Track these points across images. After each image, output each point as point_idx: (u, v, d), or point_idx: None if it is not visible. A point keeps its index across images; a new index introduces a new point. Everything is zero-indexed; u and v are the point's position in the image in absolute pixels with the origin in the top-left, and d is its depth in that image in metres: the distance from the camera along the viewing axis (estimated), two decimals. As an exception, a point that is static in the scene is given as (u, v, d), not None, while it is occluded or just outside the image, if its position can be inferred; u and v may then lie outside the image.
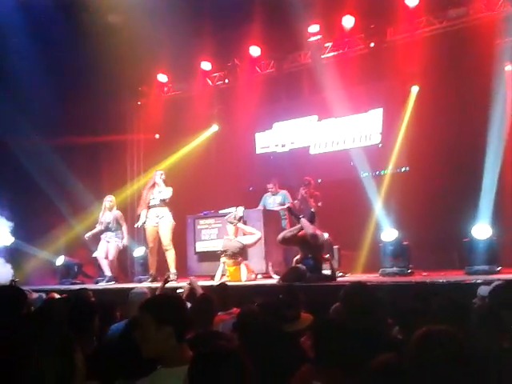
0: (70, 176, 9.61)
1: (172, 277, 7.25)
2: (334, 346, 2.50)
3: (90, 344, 2.99)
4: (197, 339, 3.55)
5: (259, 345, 2.84)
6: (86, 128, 10.12)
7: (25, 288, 5.32)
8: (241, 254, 7.26)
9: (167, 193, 7.88)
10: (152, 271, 8.03)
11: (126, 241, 8.57)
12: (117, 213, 8.61)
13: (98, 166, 10.85)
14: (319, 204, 8.55)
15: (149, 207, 7.96)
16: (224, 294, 4.66)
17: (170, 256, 7.85)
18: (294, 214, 7.22)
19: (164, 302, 2.23)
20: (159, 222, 7.90)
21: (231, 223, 7.57)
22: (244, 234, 7.56)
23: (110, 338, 3.35)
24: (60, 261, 9.12)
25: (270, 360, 2.74)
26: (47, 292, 5.95)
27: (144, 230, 8.27)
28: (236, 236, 7.52)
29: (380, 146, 9.56)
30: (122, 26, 9.28)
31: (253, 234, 7.46)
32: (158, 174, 8.04)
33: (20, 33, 8.90)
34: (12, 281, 6.40)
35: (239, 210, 7.65)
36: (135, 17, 8.89)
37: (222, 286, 5.03)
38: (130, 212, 10.89)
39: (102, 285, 8.00)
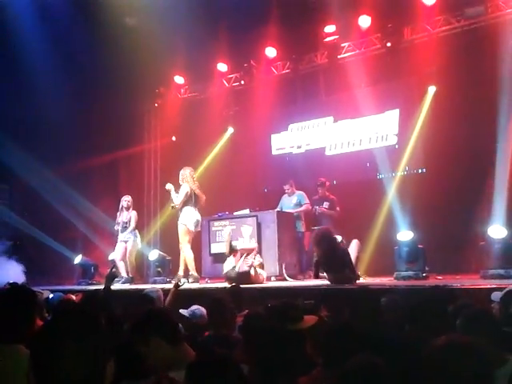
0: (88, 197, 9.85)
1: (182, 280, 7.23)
2: (343, 350, 2.47)
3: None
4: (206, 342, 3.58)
5: (264, 347, 2.83)
6: (103, 134, 10.24)
7: (38, 288, 5.46)
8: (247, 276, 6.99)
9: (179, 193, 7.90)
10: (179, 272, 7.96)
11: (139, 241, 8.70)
12: (134, 213, 8.69)
13: (116, 172, 10.96)
14: (337, 209, 8.49)
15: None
16: (237, 297, 4.66)
17: (182, 258, 7.88)
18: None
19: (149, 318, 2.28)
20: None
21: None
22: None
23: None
24: (78, 259, 9.27)
25: (274, 362, 2.74)
26: (65, 292, 6.05)
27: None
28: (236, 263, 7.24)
29: (396, 146, 9.45)
30: (139, 27, 9.38)
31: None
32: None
33: (37, 36, 9.06)
34: (12, 283, 6.45)
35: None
36: (152, 19, 8.99)
37: (235, 289, 5.03)
38: (146, 217, 11.03)
39: (118, 286, 8.08)
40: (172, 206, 7.94)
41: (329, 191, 8.75)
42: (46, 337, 1.39)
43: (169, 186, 7.91)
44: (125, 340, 2.50)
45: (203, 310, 4.06)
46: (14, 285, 6.24)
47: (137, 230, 8.71)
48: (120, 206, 8.70)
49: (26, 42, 9.10)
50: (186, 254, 7.82)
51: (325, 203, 8.57)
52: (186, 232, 7.82)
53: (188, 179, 7.86)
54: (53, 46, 9.19)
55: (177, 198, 7.82)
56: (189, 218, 7.80)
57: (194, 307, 4.15)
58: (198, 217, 7.90)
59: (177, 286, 5.00)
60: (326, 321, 3.49)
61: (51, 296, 5.43)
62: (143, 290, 5.22)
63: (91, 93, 9.85)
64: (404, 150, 9.19)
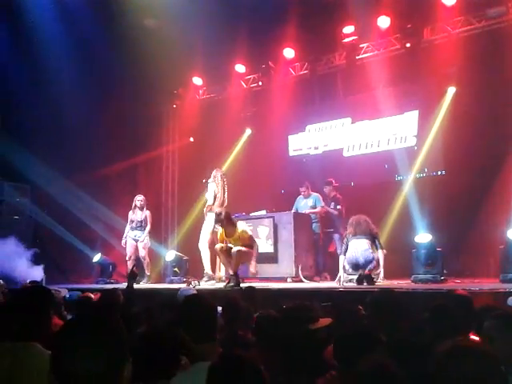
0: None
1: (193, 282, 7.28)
2: (356, 353, 2.46)
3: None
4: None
5: (276, 349, 2.83)
6: (122, 135, 10.36)
7: (56, 287, 5.54)
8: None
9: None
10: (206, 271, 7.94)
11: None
12: (148, 212, 8.76)
13: (134, 174, 11.05)
14: (338, 207, 8.49)
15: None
16: (251, 298, 4.67)
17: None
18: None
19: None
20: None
21: None
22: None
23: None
24: (96, 258, 9.39)
25: (289, 364, 2.73)
26: (83, 291, 6.13)
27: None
28: None
29: (415, 148, 9.35)
30: (158, 29, 9.46)
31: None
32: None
33: (57, 37, 9.20)
34: (33, 281, 6.57)
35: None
36: (171, 20, 9.05)
37: (250, 289, 5.04)
38: (163, 217, 11.11)
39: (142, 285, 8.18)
40: (206, 207, 7.97)
41: (336, 191, 8.73)
42: (66, 336, 1.40)
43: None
44: (138, 341, 2.52)
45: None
46: (33, 283, 6.38)
47: (147, 231, 8.79)
48: (133, 205, 8.77)
49: (45, 43, 9.25)
50: (204, 253, 7.85)
51: (332, 203, 8.58)
52: (210, 232, 7.83)
53: (218, 181, 7.90)
54: (72, 48, 9.33)
55: (209, 198, 7.89)
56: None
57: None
58: None
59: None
60: (342, 323, 3.47)
61: (68, 295, 5.51)
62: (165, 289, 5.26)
63: (110, 94, 9.97)
64: (423, 151, 9.09)
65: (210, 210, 7.78)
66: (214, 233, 7.77)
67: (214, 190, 7.81)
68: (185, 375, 2.24)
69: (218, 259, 7.72)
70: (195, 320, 2.62)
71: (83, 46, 9.33)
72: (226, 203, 7.91)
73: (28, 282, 6.83)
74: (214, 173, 8.00)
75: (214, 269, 7.84)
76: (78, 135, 9.58)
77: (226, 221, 6.85)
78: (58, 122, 9.52)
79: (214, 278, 7.67)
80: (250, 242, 6.85)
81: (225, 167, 10.83)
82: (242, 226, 6.90)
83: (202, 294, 2.87)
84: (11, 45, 9.37)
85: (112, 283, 8.66)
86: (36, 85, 9.24)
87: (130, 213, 8.78)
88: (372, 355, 1.95)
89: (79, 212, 9.76)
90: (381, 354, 2.41)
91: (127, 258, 8.61)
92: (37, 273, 8.22)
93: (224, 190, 7.90)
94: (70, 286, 7.09)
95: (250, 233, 6.97)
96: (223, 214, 6.90)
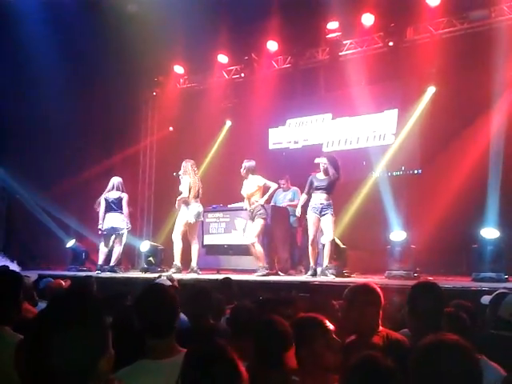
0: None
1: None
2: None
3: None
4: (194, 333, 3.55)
5: (250, 339, 2.81)
6: (101, 121, 10.19)
7: (25, 272, 5.42)
8: None
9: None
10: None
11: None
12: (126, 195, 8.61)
13: (112, 160, 10.85)
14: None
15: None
16: (228, 289, 4.64)
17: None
18: None
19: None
20: None
21: None
22: None
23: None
24: (70, 243, 9.23)
25: (263, 355, 2.72)
26: (54, 278, 6.01)
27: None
28: None
29: (394, 146, 9.44)
30: (141, 15, 9.31)
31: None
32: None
33: (38, 20, 8.97)
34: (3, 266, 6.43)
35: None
36: (154, 7, 8.91)
37: (227, 281, 5.02)
38: (139, 206, 10.97)
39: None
40: (180, 199, 7.87)
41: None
42: (42, 325, 1.35)
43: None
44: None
45: None
46: (2, 267, 6.22)
47: None
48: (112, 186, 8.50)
49: (22, 26, 8.99)
50: (176, 244, 7.80)
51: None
52: (183, 224, 7.78)
53: (189, 172, 7.82)
54: (52, 31, 9.09)
55: (184, 190, 7.79)
56: (190, 211, 7.76)
57: None
58: (199, 208, 7.87)
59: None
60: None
61: (39, 280, 5.39)
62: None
63: (89, 80, 9.77)
64: (401, 149, 9.19)
65: (186, 202, 7.72)
66: (187, 224, 7.74)
67: (189, 182, 7.74)
68: (128, 372, 2.08)
69: (192, 250, 7.73)
70: (151, 313, 2.33)
71: (62, 29, 9.10)
72: (200, 194, 7.87)
73: (-2, 266, 6.67)
74: (184, 164, 7.92)
75: (185, 259, 7.80)
76: (55, 122, 9.38)
77: None
78: (34, 108, 9.30)
79: (181, 271, 7.63)
80: None
81: (205, 158, 10.81)
82: None
83: (163, 285, 2.61)
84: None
85: (84, 271, 8.53)
86: (14, 74, 9.02)
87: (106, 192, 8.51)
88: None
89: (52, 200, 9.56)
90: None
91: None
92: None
93: (196, 179, 7.84)
94: (42, 272, 6.95)
95: None
96: None
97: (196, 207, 7.79)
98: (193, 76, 11.41)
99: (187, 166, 7.87)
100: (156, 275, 6.93)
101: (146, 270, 8.46)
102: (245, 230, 7.88)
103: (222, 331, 3.35)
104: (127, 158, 11.21)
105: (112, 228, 8.30)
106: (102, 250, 8.38)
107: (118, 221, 8.30)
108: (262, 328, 2.39)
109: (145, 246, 9.04)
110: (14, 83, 9.21)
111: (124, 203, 8.36)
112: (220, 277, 6.03)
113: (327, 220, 6.82)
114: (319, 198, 6.88)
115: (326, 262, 6.81)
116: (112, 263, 8.29)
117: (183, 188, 7.78)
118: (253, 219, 7.41)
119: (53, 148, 9.76)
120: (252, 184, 7.49)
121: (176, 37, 9.20)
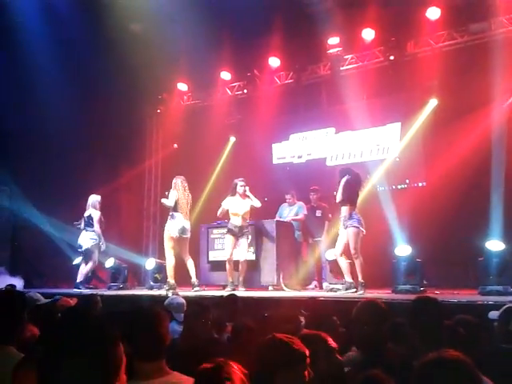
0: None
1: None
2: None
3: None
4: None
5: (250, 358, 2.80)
6: (105, 138, 10.27)
7: (31, 291, 5.43)
8: None
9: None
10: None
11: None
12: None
13: (117, 177, 10.90)
14: (330, 216, 8.51)
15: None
16: (233, 306, 4.59)
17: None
18: None
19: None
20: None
21: None
22: None
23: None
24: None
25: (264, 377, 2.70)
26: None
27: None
28: None
29: (397, 159, 9.45)
30: (144, 33, 9.43)
31: None
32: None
33: (42, 39, 9.10)
34: (9, 285, 6.45)
35: None
36: (157, 25, 9.03)
37: (232, 298, 4.95)
38: (145, 222, 10.96)
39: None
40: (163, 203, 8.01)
41: (321, 200, 8.76)
42: (52, 348, 1.32)
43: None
44: None
45: None
46: (8, 287, 6.25)
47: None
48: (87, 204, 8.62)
49: (30, 45, 9.13)
50: (168, 261, 7.85)
51: (317, 211, 8.61)
52: (168, 238, 7.84)
53: (178, 187, 7.88)
54: (56, 49, 9.22)
55: (168, 202, 7.87)
56: (173, 225, 7.78)
57: None
58: (185, 224, 7.83)
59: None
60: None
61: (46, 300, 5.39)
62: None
63: (94, 96, 9.89)
64: (405, 163, 9.19)
65: (171, 216, 7.78)
66: (172, 239, 7.77)
67: (175, 195, 7.79)
68: None
69: (188, 266, 7.80)
70: (139, 338, 2.26)
71: (66, 47, 9.24)
72: (189, 207, 7.93)
73: (5, 286, 6.69)
74: (174, 180, 8.01)
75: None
76: (61, 140, 9.47)
77: None
78: (40, 126, 9.40)
79: (175, 288, 7.63)
80: None
81: (210, 175, 10.85)
82: None
83: (152, 309, 2.51)
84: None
85: (91, 288, 8.52)
86: (18, 90, 9.13)
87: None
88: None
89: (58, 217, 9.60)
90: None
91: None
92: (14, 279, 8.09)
93: (185, 195, 7.91)
94: (47, 291, 6.96)
95: None
96: None
97: (181, 222, 7.76)
98: (196, 93, 11.51)
99: (177, 181, 7.95)
100: (163, 292, 6.95)
101: (151, 288, 8.47)
102: (249, 245, 7.85)
103: (222, 347, 3.33)
104: (132, 175, 11.28)
105: (79, 245, 8.48)
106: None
107: (84, 238, 8.42)
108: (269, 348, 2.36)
109: (150, 263, 9.04)
110: (18, 102, 9.33)
111: (94, 221, 8.41)
112: (225, 293, 6.02)
113: (349, 233, 6.72)
114: (342, 211, 6.85)
115: (360, 277, 6.66)
116: (78, 280, 8.31)
117: (170, 202, 7.81)
118: (241, 236, 7.55)
119: (58, 166, 9.82)
120: (248, 203, 7.69)
121: (179, 54, 9.33)
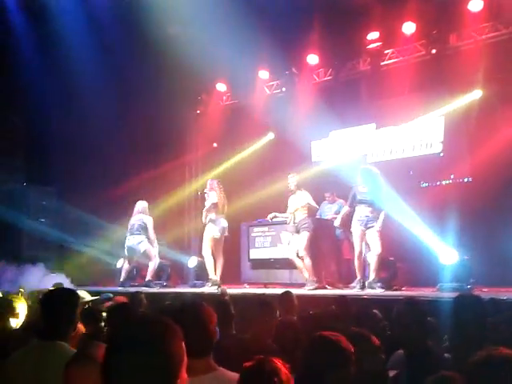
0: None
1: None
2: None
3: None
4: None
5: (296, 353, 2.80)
6: (147, 141, 10.48)
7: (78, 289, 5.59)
8: None
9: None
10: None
11: None
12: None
13: (158, 178, 11.10)
14: None
15: None
16: (289, 303, 4.45)
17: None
18: None
19: None
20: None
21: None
22: None
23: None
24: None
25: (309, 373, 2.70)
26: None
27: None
28: None
29: (441, 154, 9.22)
30: (182, 36, 9.55)
31: None
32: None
33: (83, 45, 9.38)
34: (57, 283, 6.67)
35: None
36: (194, 27, 9.13)
37: (288, 295, 4.78)
38: (187, 222, 11.13)
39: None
40: (206, 211, 8.14)
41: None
42: (114, 344, 1.31)
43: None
44: None
45: None
46: (57, 285, 6.46)
47: None
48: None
49: (71, 51, 9.45)
50: (207, 260, 8.02)
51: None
52: (209, 239, 8.00)
53: (215, 188, 8.06)
54: (98, 55, 9.49)
55: (209, 203, 8.07)
56: (215, 226, 7.98)
57: None
58: (224, 223, 8.07)
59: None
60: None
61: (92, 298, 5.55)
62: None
63: (135, 101, 10.10)
64: (449, 157, 8.97)
65: (210, 220, 8.00)
66: (213, 239, 7.97)
67: (215, 198, 7.96)
68: None
69: (217, 264, 8.01)
70: (189, 331, 2.31)
71: (109, 54, 9.49)
72: (226, 209, 8.13)
73: (53, 284, 6.93)
74: (209, 181, 8.28)
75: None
76: (104, 142, 9.73)
77: None
78: (84, 130, 9.68)
79: (218, 284, 7.79)
80: None
81: (248, 173, 10.90)
82: None
83: (200, 305, 2.50)
84: (40, 54, 9.60)
85: (136, 286, 8.69)
86: (62, 94, 9.42)
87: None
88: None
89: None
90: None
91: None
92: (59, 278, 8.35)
93: (222, 196, 8.10)
94: (96, 289, 7.17)
95: None
96: None
97: (221, 222, 8.03)
98: (235, 93, 11.56)
99: (213, 183, 8.21)
100: (207, 289, 7.06)
101: (194, 285, 8.59)
102: (289, 243, 7.86)
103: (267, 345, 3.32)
104: (174, 175, 11.45)
105: (129, 248, 8.81)
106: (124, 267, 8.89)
107: (133, 242, 8.76)
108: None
109: (193, 261, 9.16)
110: (64, 106, 9.63)
111: (149, 227, 8.76)
112: (266, 291, 6.05)
113: (372, 233, 6.71)
114: (364, 211, 6.79)
115: (372, 276, 6.70)
116: (147, 278, 8.65)
117: (209, 203, 8.04)
118: (298, 232, 7.41)
119: (101, 167, 10.07)
120: (300, 199, 7.53)
121: (217, 55, 9.39)
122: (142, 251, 8.69)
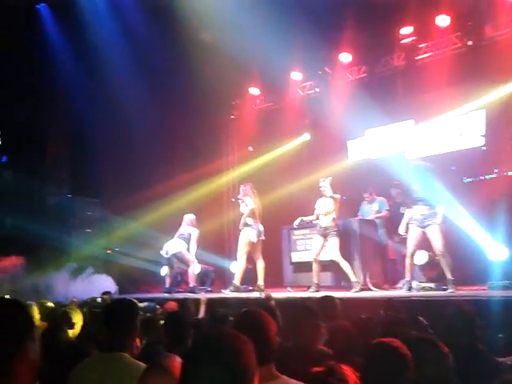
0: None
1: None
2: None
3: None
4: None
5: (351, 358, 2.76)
6: (183, 149, 10.61)
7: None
8: None
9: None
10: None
11: None
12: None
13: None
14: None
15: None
16: (330, 308, 4.42)
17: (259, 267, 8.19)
18: None
19: None
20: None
21: None
22: None
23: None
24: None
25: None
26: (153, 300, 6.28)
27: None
28: None
29: (484, 148, 8.98)
30: (215, 42, 9.64)
31: None
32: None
33: (119, 53, 9.59)
34: (105, 292, 6.82)
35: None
36: (226, 32, 9.17)
37: (329, 299, 4.75)
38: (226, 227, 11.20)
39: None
40: (244, 218, 8.18)
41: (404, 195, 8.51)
42: (191, 356, 1.33)
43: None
44: None
45: None
46: (106, 294, 6.58)
47: None
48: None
49: (108, 60, 9.67)
50: (240, 265, 8.09)
51: (401, 208, 8.35)
52: (246, 244, 8.02)
53: (250, 193, 8.10)
54: (136, 67, 9.67)
55: (246, 209, 8.12)
56: (252, 231, 8.00)
57: None
58: (261, 227, 8.11)
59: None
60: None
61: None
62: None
63: (171, 108, 10.25)
64: (492, 151, 8.73)
65: (247, 224, 8.00)
66: (250, 244, 8.00)
67: (251, 203, 7.99)
68: None
69: (258, 269, 8.04)
70: (253, 340, 2.30)
71: (146, 64, 9.67)
72: (260, 214, 8.15)
73: (102, 293, 7.09)
74: (242, 187, 8.31)
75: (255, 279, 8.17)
76: (143, 151, 9.90)
77: None
78: (124, 139, 9.88)
79: (239, 289, 7.94)
80: None
81: (285, 175, 10.89)
82: None
83: (258, 312, 2.49)
84: (79, 64, 9.87)
85: (181, 292, 8.80)
86: (105, 106, 9.65)
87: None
88: None
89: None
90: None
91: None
92: (108, 284, 8.53)
93: (256, 201, 8.15)
94: (140, 296, 7.28)
95: None
96: None
97: (257, 227, 8.04)
98: (268, 96, 11.57)
99: (247, 188, 8.22)
100: (254, 295, 7.08)
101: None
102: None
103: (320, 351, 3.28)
104: (211, 181, 11.54)
105: (168, 251, 8.98)
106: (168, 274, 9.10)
107: (173, 244, 8.96)
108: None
109: (234, 266, 9.18)
110: (106, 116, 9.85)
111: (193, 239, 8.95)
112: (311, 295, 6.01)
113: (433, 229, 6.51)
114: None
115: (448, 274, 6.44)
116: (190, 284, 8.74)
117: (245, 209, 8.08)
118: (325, 237, 7.38)
119: (141, 175, 10.25)
120: (328, 203, 7.59)
121: (250, 60, 9.43)
122: (173, 252, 8.85)
